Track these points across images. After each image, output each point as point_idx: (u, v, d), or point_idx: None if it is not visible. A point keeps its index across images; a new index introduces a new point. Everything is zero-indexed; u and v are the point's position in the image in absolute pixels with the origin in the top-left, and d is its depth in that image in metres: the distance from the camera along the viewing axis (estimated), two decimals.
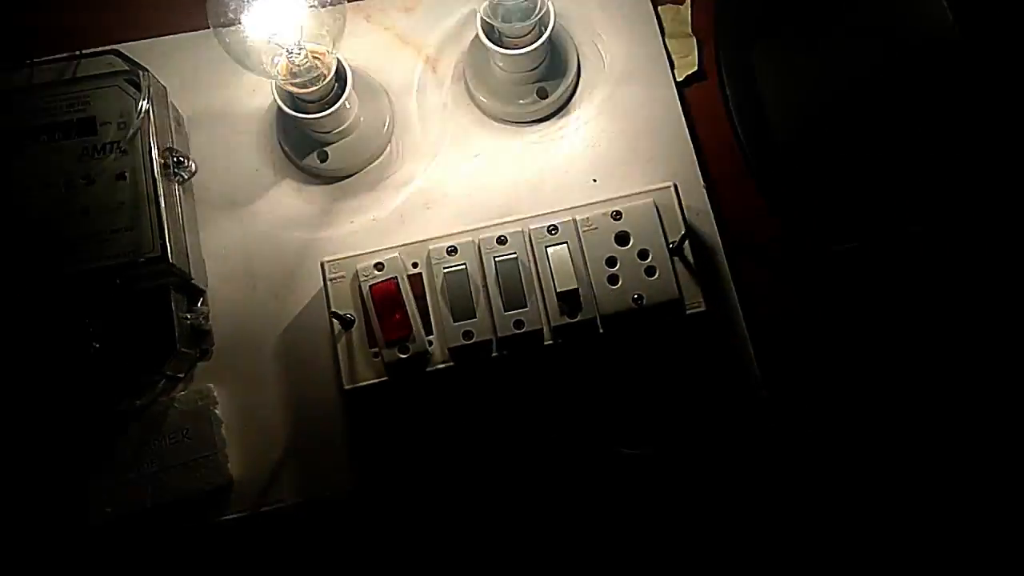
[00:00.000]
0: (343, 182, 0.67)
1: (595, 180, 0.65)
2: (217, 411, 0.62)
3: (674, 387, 0.61)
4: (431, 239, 0.59)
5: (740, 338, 0.62)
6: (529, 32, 0.60)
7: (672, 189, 0.59)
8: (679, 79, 0.69)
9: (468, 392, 0.61)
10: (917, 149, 0.59)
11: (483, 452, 0.61)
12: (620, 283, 0.57)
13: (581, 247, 0.58)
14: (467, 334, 0.57)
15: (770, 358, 0.63)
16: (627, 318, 0.57)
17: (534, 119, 0.67)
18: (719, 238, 0.64)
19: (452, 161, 0.66)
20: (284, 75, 0.59)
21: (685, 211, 0.63)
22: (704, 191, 0.65)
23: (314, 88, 0.60)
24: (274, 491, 0.61)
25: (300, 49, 0.57)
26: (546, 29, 0.60)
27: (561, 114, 0.67)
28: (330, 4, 0.57)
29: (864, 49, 0.57)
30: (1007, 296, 0.62)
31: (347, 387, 0.57)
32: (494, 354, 0.57)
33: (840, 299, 0.64)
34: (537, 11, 0.59)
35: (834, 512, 0.61)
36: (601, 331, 0.57)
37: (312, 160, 0.66)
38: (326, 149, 0.65)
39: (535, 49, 0.61)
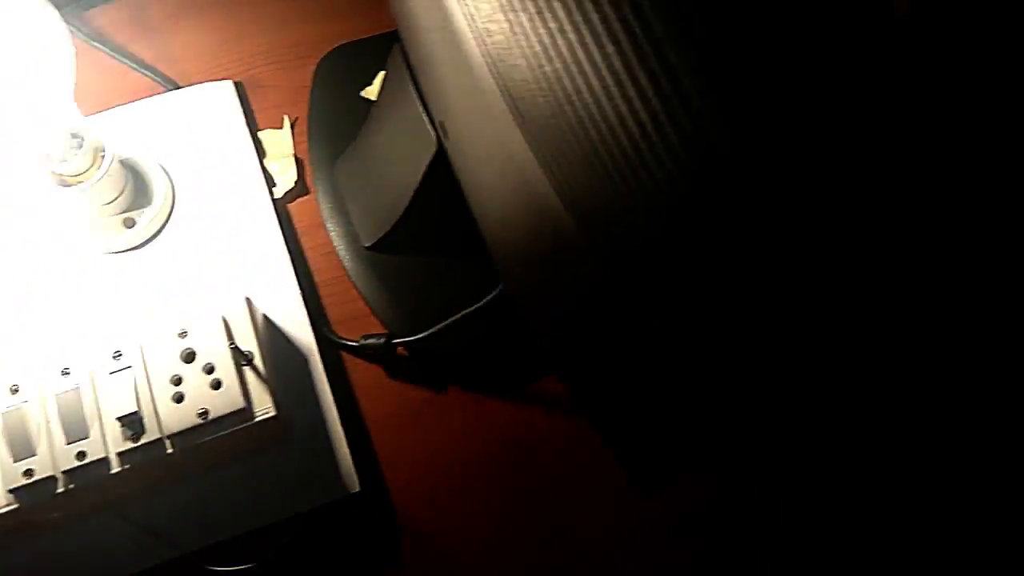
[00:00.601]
0: None
1: (189, 301, 0.66)
2: None
3: (269, 494, 0.62)
4: None
5: (335, 437, 0.63)
6: (88, 168, 0.62)
7: (244, 302, 0.61)
8: (278, 196, 0.72)
9: (41, 532, 0.59)
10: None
11: None
12: (186, 399, 0.57)
13: (146, 369, 0.58)
14: (28, 472, 0.55)
15: (372, 455, 0.65)
16: (195, 433, 0.57)
17: (125, 248, 0.67)
18: (315, 342, 0.66)
19: (37, 298, 0.66)
20: None
21: (273, 319, 0.66)
22: (300, 298, 0.67)
23: None
24: None
25: None
26: (103, 162, 0.62)
27: (154, 240, 0.68)
28: None
29: (402, 158, 0.63)
30: None
31: None
32: (60, 489, 0.56)
33: (446, 392, 0.67)
34: (82, 147, 0.60)
35: None
36: (170, 451, 0.57)
37: None
38: None
39: (97, 183, 0.62)
